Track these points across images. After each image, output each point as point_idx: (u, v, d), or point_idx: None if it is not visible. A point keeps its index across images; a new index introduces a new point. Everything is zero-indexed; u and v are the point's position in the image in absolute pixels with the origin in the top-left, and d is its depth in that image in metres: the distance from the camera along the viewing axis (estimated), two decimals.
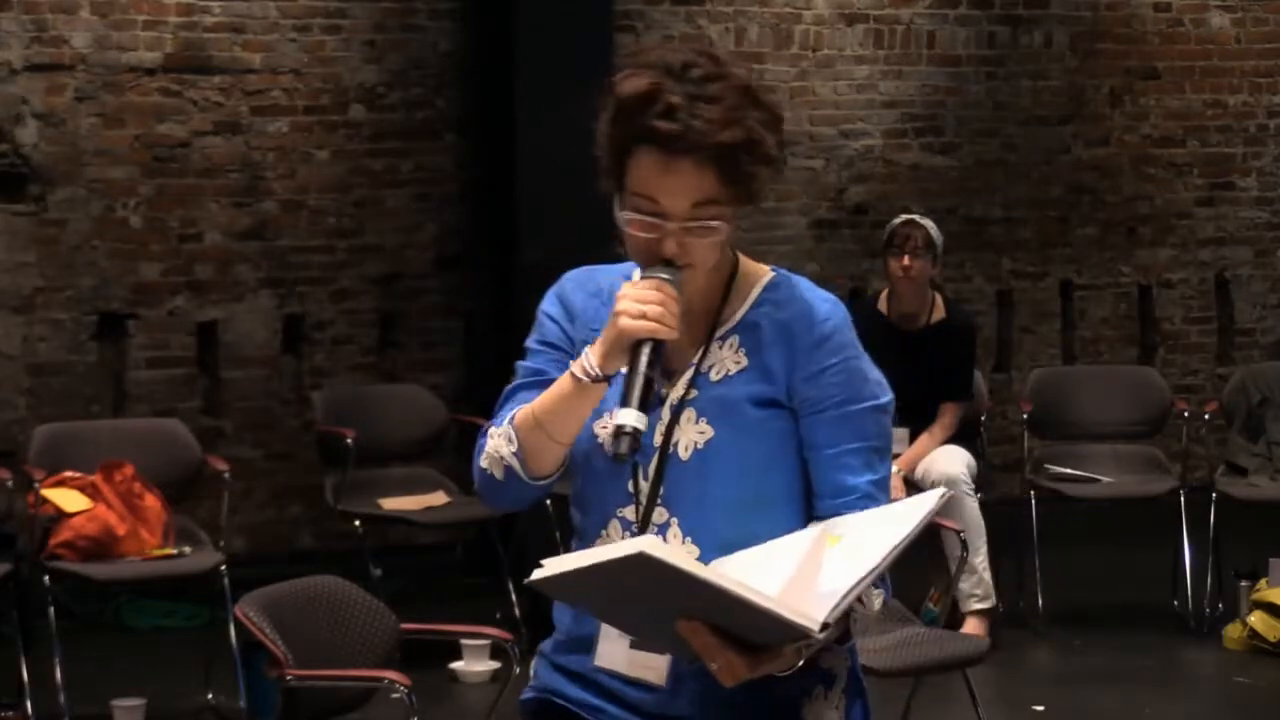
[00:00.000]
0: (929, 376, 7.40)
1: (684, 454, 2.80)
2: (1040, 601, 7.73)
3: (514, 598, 7.51)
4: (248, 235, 8.53)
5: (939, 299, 7.66)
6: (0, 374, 8.14)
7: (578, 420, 2.79)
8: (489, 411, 2.95)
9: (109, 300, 8.30)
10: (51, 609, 6.61)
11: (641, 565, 2.54)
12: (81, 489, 6.74)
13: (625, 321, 2.70)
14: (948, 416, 7.48)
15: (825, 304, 2.85)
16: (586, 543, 2.88)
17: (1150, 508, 8.01)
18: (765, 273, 2.89)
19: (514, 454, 2.81)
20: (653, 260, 2.76)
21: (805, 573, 2.65)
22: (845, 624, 2.80)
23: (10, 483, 6.96)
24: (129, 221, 8.33)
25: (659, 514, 2.83)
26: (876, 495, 2.83)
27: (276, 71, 8.56)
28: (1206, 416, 8.37)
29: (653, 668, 2.83)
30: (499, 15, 8.54)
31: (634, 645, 2.83)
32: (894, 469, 7.20)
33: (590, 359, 2.75)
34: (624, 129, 2.73)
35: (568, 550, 2.78)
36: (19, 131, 8.16)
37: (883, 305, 7.64)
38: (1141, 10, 10.14)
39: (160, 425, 7.42)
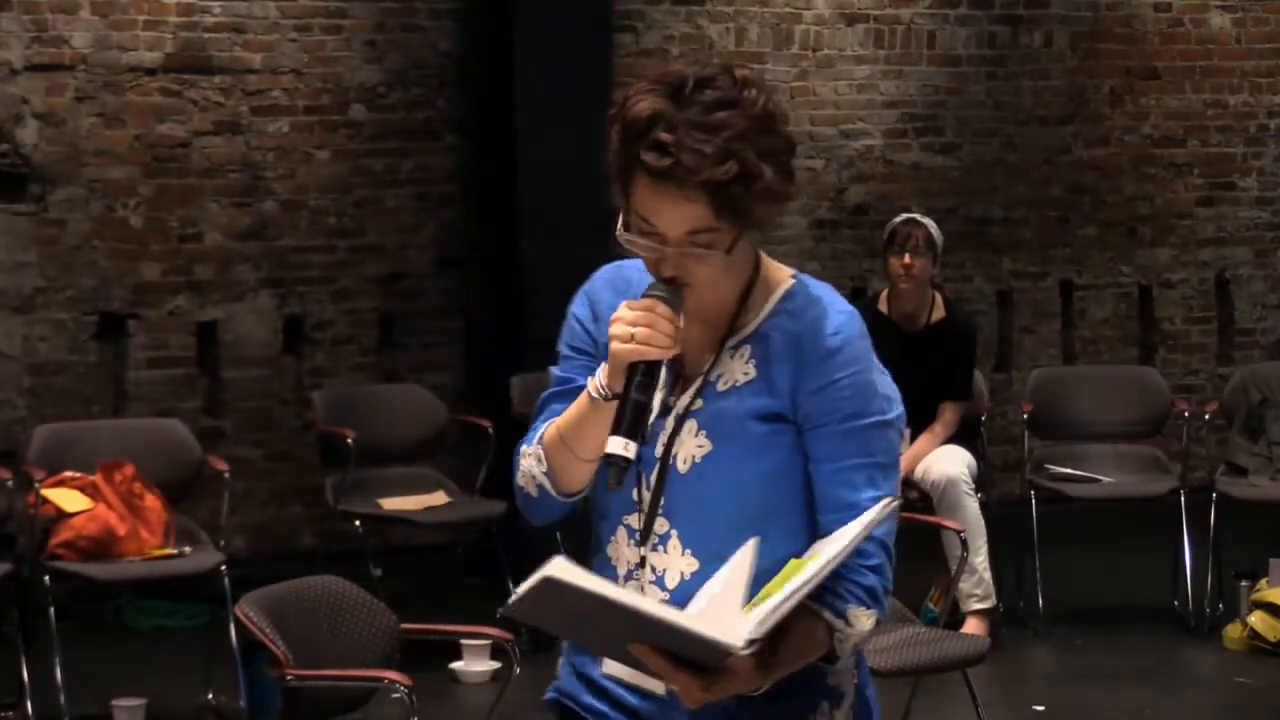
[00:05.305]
0: (929, 376, 7.40)
1: (682, 467, 2.76)
2: (1040, 601, 7.73)
3: None
4: (248, 235, 8.52)
5: (939, 298, 7.66)
6: (0, 374, 8.14)
7: (598, 437, 2.72)
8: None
9: (109, 300, 8.30)
10: (51, 609, 6.61)
11: (553, 589, 2.52)
12: (81, 489, 6.74)
13: (615, 345, 2.69)
14: (948, 416, 7.48)
15: (840, 315, 2.77)
16: (599, 549, 2.87)
17: (1150, 508, 8.02)
18: (785, 280, 2.82)
19: (544, 473, 2.80)
20: (657, 275, 2.73)
21: (730, 590, 2.64)
22: (829, 644, 2.73)
23: (10, 483, 6.96)
24: (129, 221, 8.33)
25: (660, 524, 2.80)
26: None
27: (277, 71, 8.56)
28: (1206, 416, 8.38)
29: (654, 677, 2.77)
30: (499, 15, 8.54)
31: None
32: None
33: (601, 377, 2.73)
34: (625, 151, 2.69)
35: (576, 553, 2.78)
36: (19, 131, 8.16)
37: (883, 305, 7.64)
38: (1141, 10, 10.14)
39: (160, 425, 7.42)
